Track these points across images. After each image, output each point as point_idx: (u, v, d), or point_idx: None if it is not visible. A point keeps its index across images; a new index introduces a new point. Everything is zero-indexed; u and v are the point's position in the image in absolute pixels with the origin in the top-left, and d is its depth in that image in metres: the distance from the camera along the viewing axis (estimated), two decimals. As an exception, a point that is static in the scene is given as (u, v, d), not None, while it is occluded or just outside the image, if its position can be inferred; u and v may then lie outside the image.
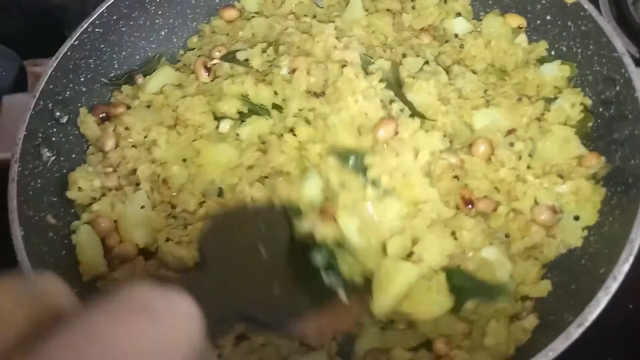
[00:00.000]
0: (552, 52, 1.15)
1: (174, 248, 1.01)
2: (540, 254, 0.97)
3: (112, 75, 1.24)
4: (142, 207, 1.06)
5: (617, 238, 0.86)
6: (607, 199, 0.97)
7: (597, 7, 1.59)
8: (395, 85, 1.09)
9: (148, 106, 1.19)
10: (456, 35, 1.22)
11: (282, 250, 0.88)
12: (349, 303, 0.88)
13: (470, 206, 0.97)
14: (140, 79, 1.23)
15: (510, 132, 1.04)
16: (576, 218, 0.97)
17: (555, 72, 1.11)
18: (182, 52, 1.31)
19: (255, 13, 1.33)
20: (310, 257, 0.90)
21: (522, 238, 0.97)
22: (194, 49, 1.31)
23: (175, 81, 1.22)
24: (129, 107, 1.18)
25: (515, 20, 1.18)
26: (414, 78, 1.10)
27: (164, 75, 1.23)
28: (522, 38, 1.18)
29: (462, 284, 0.91)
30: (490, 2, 1.24)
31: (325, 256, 0.91)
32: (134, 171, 1.10)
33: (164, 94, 1.19)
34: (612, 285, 0.80)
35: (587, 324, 0.78)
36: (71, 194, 1.06)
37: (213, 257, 0.79)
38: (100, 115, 1.16)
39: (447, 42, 1.20)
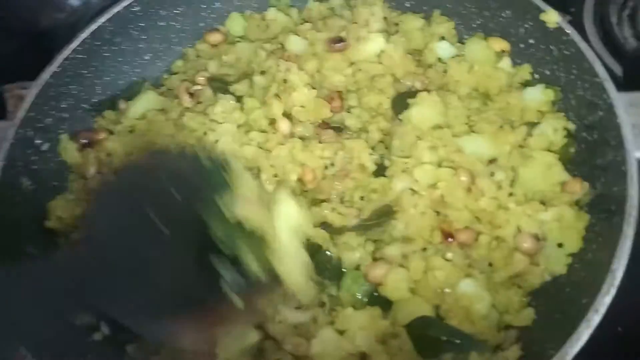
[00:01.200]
0: (536, 76, 1.15)
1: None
2: (524, 282, 0.96)
3: (94, 100, 1.23)
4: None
5: (601, 266, 0.85)
6: (591, 226, 0.96)
7: (583, 27, 1.60)
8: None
9: (131, 131, 1.18)
10: (440, 60, 1.22)
11: (180, 235, 0.70)
12: (243, 306, 0.70)
13: (450, 239, 0.97)
14: (123, 104, 1.23)
15: (492, 161, 1.04)
16: (560, 245, 0.96)
17: (539, 96, 1.11)
18: (165, 76, 1.31)
19: (240, 37, 1.33)
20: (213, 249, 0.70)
21: (505, 267, 0.96)
22: (178, 73, 1.30)
23: (158, 106, 1.22)
24: (111, 133, 1.18)
25: (499, 44, 1.18)
26: None
27: (147, 100, 1.22)
28: (506, 62, 1.18)
29: (433, 335, 0.89)
30: (474, 25, 1.24)
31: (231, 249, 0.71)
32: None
33: (147, 119, 1.19)
34: (594, 318, 0.79)
35: (569, 358, 0.77)
36: (51, 223, 1.05)
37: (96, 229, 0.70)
38: (82, 142, 1.16)
39: (430, 67, 1.20)
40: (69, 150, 1.14)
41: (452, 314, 0.93)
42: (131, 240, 0.70)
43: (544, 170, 1.01)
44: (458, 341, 0.89)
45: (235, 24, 1.34)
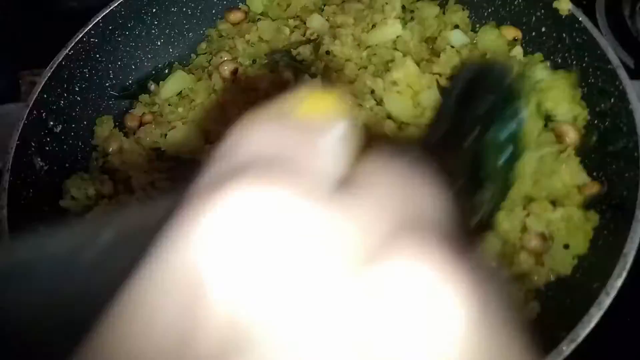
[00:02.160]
0: (548, 65, 1.15)
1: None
2: (528, 282, 0.96)
3: (107, 85, 1.24)
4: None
5: (613, 251, 0.85)
6: (599, 227, 0.95)
7: (594, 18, 1.59)
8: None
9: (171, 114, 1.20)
10: (452, 47, 1.22)
11: None
12: None
13: None
14: (152, 86, 1.25)
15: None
16: (566, 246, 0.95)
17: None
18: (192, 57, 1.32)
19: (261, 15, 1.33)
20: None
21: (510, 265, 0.95)
22: (204, 54, 1.31)
23: (190, 85, 1.23)
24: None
25: (511, 33, 1.18)
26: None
27: (178, 80, 1.23)
28: (518, 50, 1.18)
29: None
30: (486, 14, 1.24)
31: None
32: (129, 178, 1.10)
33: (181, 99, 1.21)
34: (605, 301, 0.79)
35: (579, 340, 0.77)
36: (65, 202, 1.06)
37: None
38: (130, 126, 1.21)
39: (442, 54, 1.19)
40: (105, 126, 1.17)
41: None
42: None
43: (564, 171, 1.01)
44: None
45: (256, 1, 1.33)
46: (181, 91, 1.22)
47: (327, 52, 1.19)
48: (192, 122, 1.17)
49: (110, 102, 1.25)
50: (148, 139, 1.17)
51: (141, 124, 1.20)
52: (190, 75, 1.24)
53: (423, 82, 1.11)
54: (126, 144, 1.16)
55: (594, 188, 0.99)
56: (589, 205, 0.98)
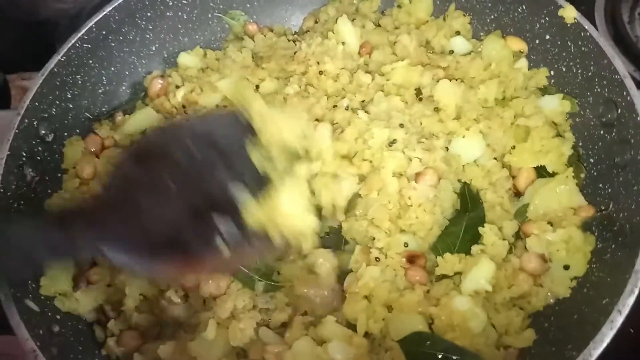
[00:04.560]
0: (552, 73, 1.13)
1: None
2: (527, 304, 0.95)
3: (100, 92, 1.21)
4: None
5: (622, 267, 0.83)
6: (599, 250, 0.94)
7: (594, 25, 1.58)
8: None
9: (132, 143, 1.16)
10: (451, 52, 1.20)
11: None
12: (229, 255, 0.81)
13: None
14: (119, 117, 1.21)
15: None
16: (566, 267, 0.94)
17: (556, 106, 1.08)
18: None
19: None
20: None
21: (510, 287, 0.94)
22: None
23: (154, 124, 1.18)
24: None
25: (517, 44, 1.15)
26: None
27: (144, 117, 1.19)
28: (523, 63, 1.16)
29: (429, 351, 0.87)
30: (489, 20, 1.22)
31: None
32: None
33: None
34: (617, 319, 0.78)
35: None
36: None
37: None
38: (91, 149, 1.15)
39: (442, 60, 1.17)
40: (75, 147, 1.12)
41: (447, 329, 0.91)
42: (140, 192, 0.82)
43: (560, 194, 1.00)
44: (456, 357, 0.85)
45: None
46: (145, 129, 1.17)
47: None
48: None
49: (103, 109, 1.21)
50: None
51: (103, 148, 1.16)
52: (158, 115, 1.20)
53: None
54: (99, 166, 1.12)
55: (590, 211, 0.98)
56: (585, 228, 0.97)
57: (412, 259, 0.97)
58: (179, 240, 0.81)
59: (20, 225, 0.80)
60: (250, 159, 0.82)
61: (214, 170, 0.83)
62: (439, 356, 0.86)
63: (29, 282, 0.94)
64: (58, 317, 0.96)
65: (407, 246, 0.98)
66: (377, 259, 0.97)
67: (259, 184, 0.82)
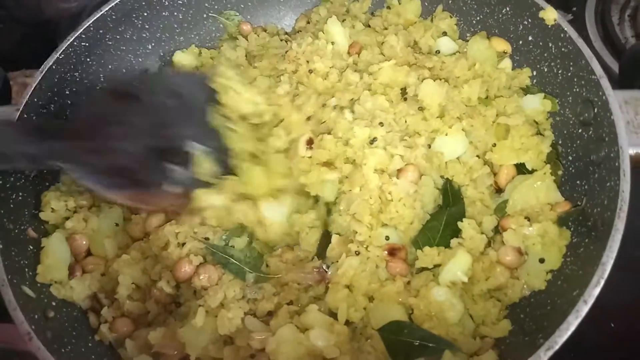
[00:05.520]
0: (534, 73, 1.16)
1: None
2: (504, 296, 0.98)
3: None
4: (117, 224, 1.09)
5: (591, 260, 0.86)
6: (573, 244, 0.97)
7: (584, 26, 1.61)
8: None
9: None
10: (437, 52, 1.23)
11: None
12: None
13: None
14: None
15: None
16: (541, 261, 0.97)
17: (537, 105, 1.12)
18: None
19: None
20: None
21: (487, 279, 0.97)
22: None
23: None
24: None
25: (501, 45, 1.19)
26: None
27: None
28: (507, 63, 1.19)
29: (406, 339, 0.91)
30: (475, 22, 1.25)
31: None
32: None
33: None
34: (583, 309, 0.81)
35: (557, 347, 0.78)
36: (44, 215, 1.07)
37: None
38: None
39: (428, 60, 1.21)
40: None
41: (425, 319, 0.94)
42: (110, 125, 0.95)
43: (538, 190, 1.03)
44: (432, 344, 0.89)
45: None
46: None
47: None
48: None
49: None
50: None
51: None
52: None
53: None
54: None
55: (565, 206, 1.01)
56: (561, 223, 1.00)
57: (393, 251, 1.00)
58: (134, 174, 0.94)
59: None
60: (208, 120, 0.97)
61: (177, 119, 0.97)
62: (416, 344, 0.90)
63: (26, 269, 0.98)
64: (53, 303, 1.00)
65: (388, 239, 1.02)
66: (357, 253, 1.00)
67: (214, 145, 0.96)
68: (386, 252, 1.01)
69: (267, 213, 1.02)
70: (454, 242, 1.01)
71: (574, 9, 1.66)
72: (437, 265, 1.00)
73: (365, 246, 1.01)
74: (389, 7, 1.32)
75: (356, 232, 1.02)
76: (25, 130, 0.94)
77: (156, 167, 0.94)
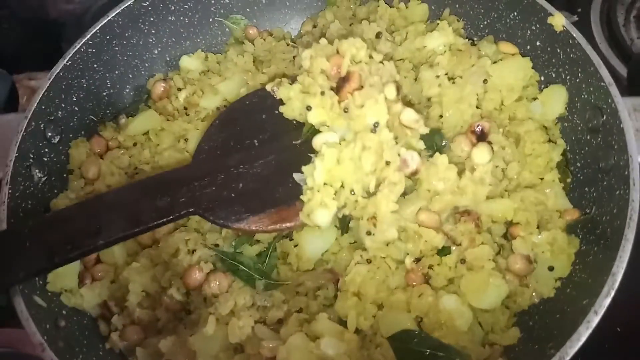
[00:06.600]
0: (542, 79, 1.16)
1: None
2: (513, 304, 0.99)
3: (104, 94, 1.25)
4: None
5: (602, 269, 0.87)
6: (582, 252, 0.98)
7: (590, 28, 1.61)
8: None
9: (134, 144, 1.22)
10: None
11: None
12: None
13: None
14: (123, 119, 1.25)
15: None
16: (550, 268, 0.98)
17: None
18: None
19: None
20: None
21: None
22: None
23: (158, 126, 1.23)
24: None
25: (509, 49, 1.18)
26: None
27: (147, 119, 1.24)
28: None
29: (416, 348, 0.91)
30: (482, 26, 1.25)
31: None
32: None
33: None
34: (594, 319, 0.81)
35: (568, 358, 0.79)
36: None
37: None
38: (97, 151, 1.19)
39: (430, 66, 1.20)
40: (80, 149, 1.17)
41: (434, 327, 0.95)
42: (229, 153, 1.01)
43: (549, 196, 1.03)
44: (442, 354, 0.89)
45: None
46: (148, 131, 1.23)
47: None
48: None
49: (107, 111, 1.26)
50: (120, 162, 1.19)
51: (107, 149, 1.21)
52: (161, 117, 1.24)
53: None
54: (104, 166, 1.17)
55: (574, 214, 1.01)
56: (570, 231, 1.00)
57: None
58: (270, 194, 0.97)
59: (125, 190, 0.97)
60: None
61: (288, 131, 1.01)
62: (426, 353, 0.90)
63: (37, 278, 0.98)
64: (64, 312, 1.01)
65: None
66: (369, 261, 1.01)
67: None
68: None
69: (308, 246, 1.04)
70: None
71: (580, 10, 1.66)
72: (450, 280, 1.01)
73: (377, 256, 1.01)
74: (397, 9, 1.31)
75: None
76: (155, 193, 0.96)
77: (287, 180, 0.98)
